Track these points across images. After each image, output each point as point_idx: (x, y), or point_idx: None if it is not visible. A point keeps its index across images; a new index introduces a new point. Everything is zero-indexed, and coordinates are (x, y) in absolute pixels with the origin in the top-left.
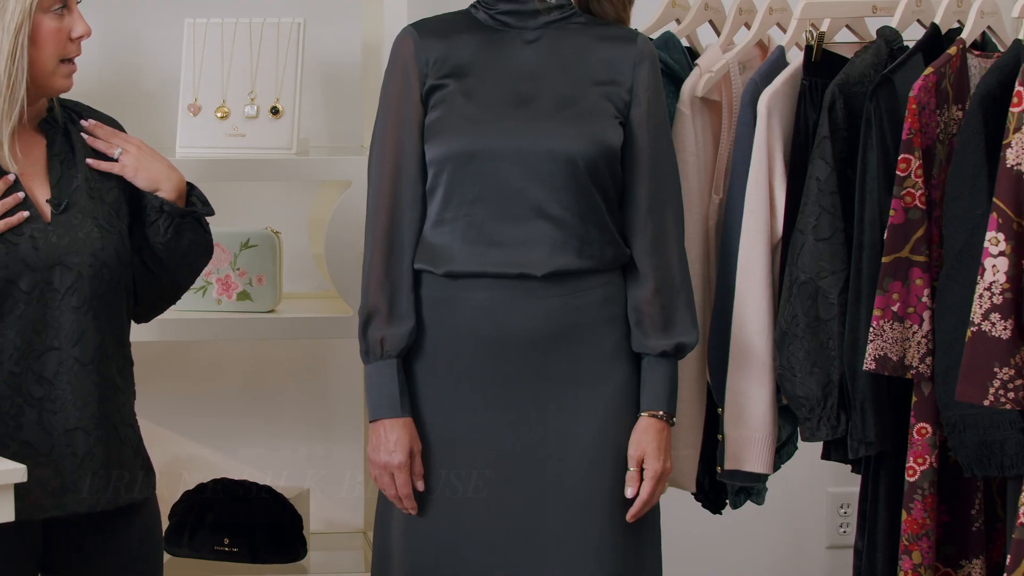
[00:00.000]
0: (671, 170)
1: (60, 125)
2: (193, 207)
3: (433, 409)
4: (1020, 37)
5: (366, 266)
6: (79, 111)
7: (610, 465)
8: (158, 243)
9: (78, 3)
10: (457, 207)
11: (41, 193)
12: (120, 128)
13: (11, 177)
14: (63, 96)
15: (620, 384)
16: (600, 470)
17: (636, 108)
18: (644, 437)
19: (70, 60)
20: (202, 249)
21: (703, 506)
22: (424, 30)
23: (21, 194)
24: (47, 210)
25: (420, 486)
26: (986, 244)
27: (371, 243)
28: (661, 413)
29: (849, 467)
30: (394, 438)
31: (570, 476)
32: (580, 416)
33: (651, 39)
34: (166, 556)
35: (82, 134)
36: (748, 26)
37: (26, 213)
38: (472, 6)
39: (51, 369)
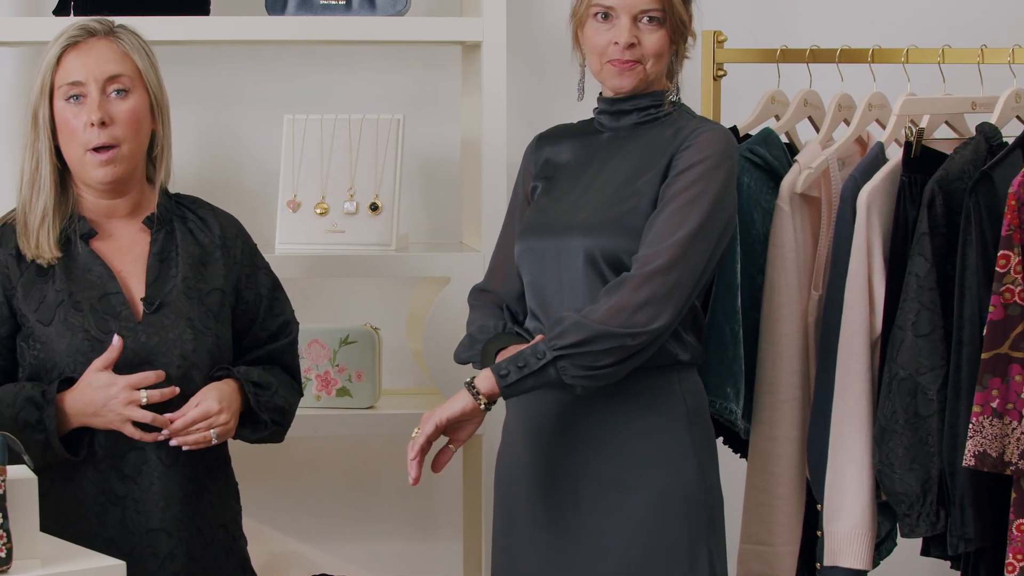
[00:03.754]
0: (684, 229)
1: (165, 222)
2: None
3: (500, 491)
4: None
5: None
6: (194, 208)
7: (636, 573)
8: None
9: (120, 91)
10: (527, 301)
11: (137, 291)
12: (237, 229)
13: (161, 373)
14: (184, 193)
15: (658, 491)
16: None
17: (665, 182)
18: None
19: (101, 149)
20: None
21: None
22: (543, 135)
23: (117, 342)
24: (140, 308)
25: None
26: None
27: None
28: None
29: (948, 563)
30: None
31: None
32: (613, 518)
33: (750, 134)
34: None
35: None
36: (847, 122)
37: (118, 344)
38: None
39: (135, 468)
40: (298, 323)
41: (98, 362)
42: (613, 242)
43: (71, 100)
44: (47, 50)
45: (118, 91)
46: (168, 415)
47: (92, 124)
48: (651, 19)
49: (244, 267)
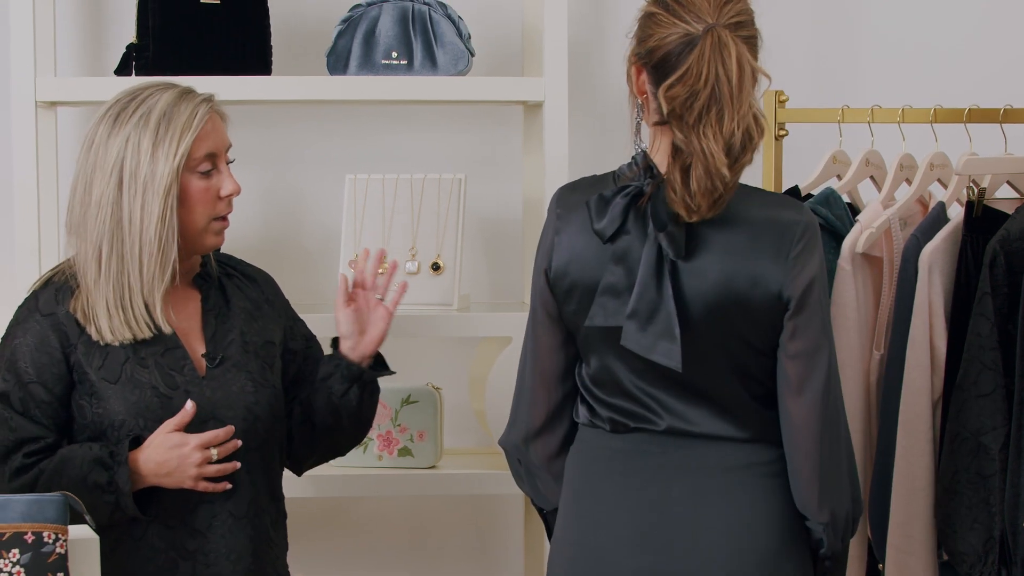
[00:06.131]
0: None
1: (214, 280)
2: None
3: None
4: None
5: None
6: (233, 265)
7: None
8: (339, 403)
9: (230, 163)
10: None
11: (197, 347)
12: (274, 284)
13: (231, 428)
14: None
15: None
16: None
17: None
18: None
19: (221, 218)
20: (374, 410)
21: None
22: None
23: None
24: (203, 364)
25: None
26: None
27: None
28: None
29: None
30: None
31: None
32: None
33: (811, 194)
34: None
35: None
36: (909, 182)
37: (191, 409)
38: None
39: (205, 522)
40: None
41: (170, 423)
42: None
43: (202, 171)
44: (165, 121)
45: (229, 161)
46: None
47: (228, 195)
48: None
49: (286, 319)
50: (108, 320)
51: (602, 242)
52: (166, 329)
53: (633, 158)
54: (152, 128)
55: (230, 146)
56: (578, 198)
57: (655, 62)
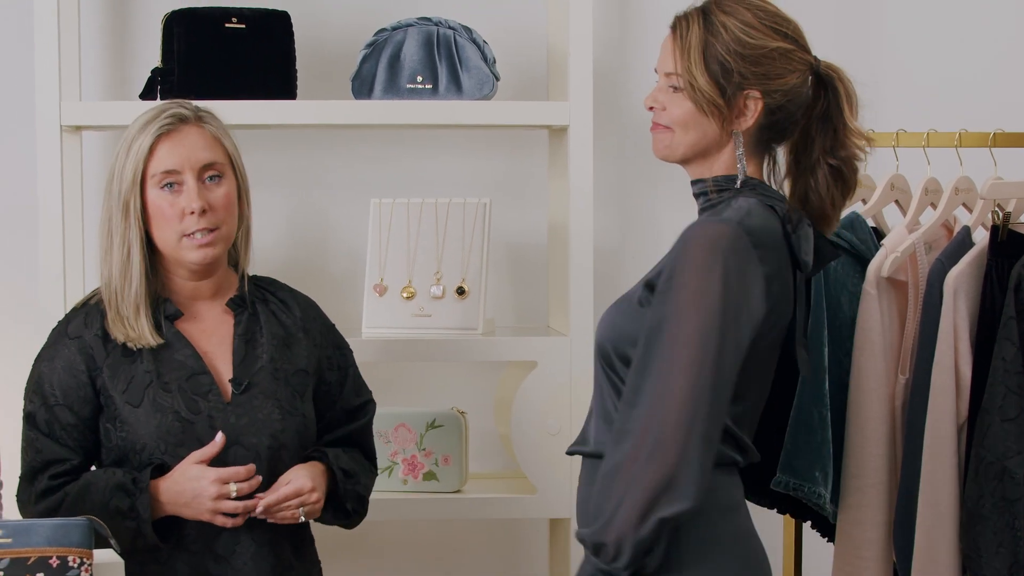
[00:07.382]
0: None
1: (248, 304)
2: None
3: None
4: None
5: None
6: (272, 290)
7: None
8: None
9: (212, 179)
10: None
11: (225, 372)
12: (315, 310)
13: (252, 467)
14: (259, 275)
15: None
16: None
17: None
18: None
19: (195, 234)
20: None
21: None
22: None
23: (220, 439)
24: (228, 389)
25: None
26: None
27: None
28: None
29: None
30: None
31: None
32: None
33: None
34: None
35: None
36: (934, 206)
37: (220, 441)
38: None
39: (228, 549)
40: (375, 403)
41: (196, 455)
42: (606, 336)
43: (166, 188)
44: (134, 138)
45: (212, 177)
46: (259, 495)
47: (192, 212)
48: (672, 86)
49: (325, 348)
50: (123, 328)
51: (803, 272)
52: (154, 341)
53: (762, 185)
54: (127, 144)
55: (211, 163)
56: (769, 227)
57: (801, 99)
